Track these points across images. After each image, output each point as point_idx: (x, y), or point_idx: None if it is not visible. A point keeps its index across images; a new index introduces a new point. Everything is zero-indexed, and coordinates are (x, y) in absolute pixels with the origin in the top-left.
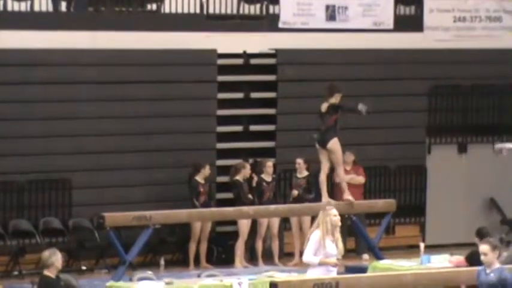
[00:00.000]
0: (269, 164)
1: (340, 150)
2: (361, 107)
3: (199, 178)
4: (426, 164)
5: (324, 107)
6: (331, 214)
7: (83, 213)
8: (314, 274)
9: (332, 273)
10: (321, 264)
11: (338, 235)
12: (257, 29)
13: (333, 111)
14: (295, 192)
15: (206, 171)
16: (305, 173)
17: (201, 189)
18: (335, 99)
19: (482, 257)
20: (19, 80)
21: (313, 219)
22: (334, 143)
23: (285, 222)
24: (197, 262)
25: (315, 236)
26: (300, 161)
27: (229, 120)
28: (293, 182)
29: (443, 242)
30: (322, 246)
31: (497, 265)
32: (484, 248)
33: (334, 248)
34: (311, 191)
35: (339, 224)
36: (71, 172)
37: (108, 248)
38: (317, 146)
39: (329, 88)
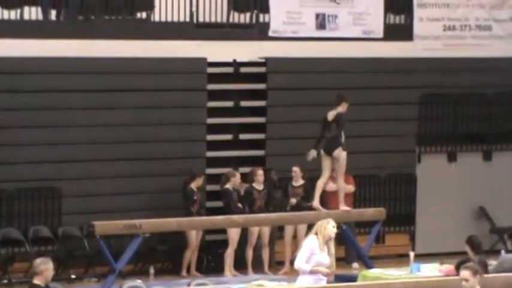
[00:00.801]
0: (260, 172)
1: (345, 159)
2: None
3: (194, 186)
4: (416, 173)
5: (331, 115)
6: (330, 225)
7: (73, 222)
8: (304, 282)
9: (322, 282)
10: (312, 272)
11: (332, 250)
12: (247, 37)
13: (342, 122)
14: (293, 201)
15: (200, 181)
16: (301, 181)
17: (195, 198)
18: (342, 107)
19: (463, 283)
20: (9, 88)
21: (309, 227)
22: (340, 151)
23: (280, 231)
24: (187, 271)
25: (308, 243)
26: (296, 169)
27: (219, 128)
28: (289, 191)
29: (433, 250)
30: (315, 253)
31: None
32: (464, 273)
33: (326, 257)
34: (309, 198)
35: (333, 236)
36: (60, 180)
37: (98, 257)
38: (322, 152)
39: (337, 97)
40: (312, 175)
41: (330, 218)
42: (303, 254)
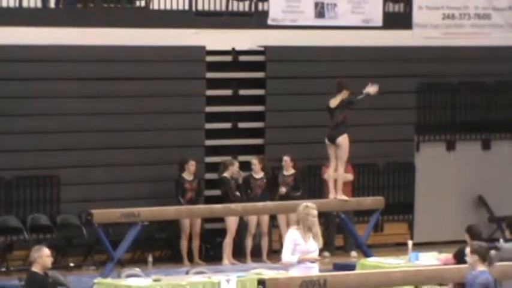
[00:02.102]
0: (254, 161)
1: (347, 147)
2: (370, 89)
3: (186, 175)
4: (415, 162)
5: (333, 102)
6: (310, 213)
7: (71, 210)
8: (294, 274)
9: (312, 270)
10: (300, 261)
11: (317, 229)
12: (246, 25)
13: (346, 107)
14: (283, 190)
15: (190, 166)
16: (291, 171)
17: (187, 186)
18: (343, 95)
19: (467, 258)
20: (7, 76)
21: None
22: (344, 139)
23: (272, 220)
24: (188, 259)
25: (289, 236)
26: (286, 158)
27: (217, 117)
28: (280, 180)
29: (432, 239)
30: (298, 243)
31: (481, 268)
32: (467, 249)
33: (312, 244)
34: (298, 188)
35: (315, 224)
36: (59, 168)
37: (96, 245)
38: (326, 141)
39: (338, 84)
40: (303, 164)
41: (308, 203)
42: (287, 247)
